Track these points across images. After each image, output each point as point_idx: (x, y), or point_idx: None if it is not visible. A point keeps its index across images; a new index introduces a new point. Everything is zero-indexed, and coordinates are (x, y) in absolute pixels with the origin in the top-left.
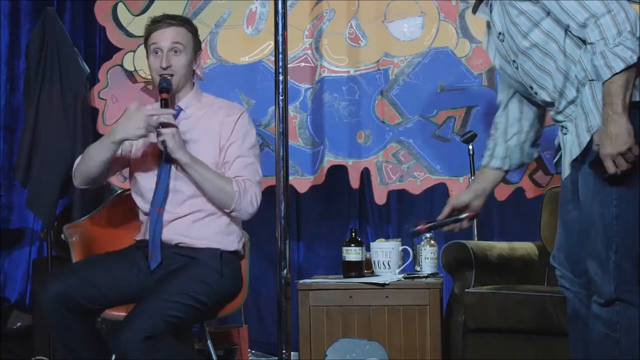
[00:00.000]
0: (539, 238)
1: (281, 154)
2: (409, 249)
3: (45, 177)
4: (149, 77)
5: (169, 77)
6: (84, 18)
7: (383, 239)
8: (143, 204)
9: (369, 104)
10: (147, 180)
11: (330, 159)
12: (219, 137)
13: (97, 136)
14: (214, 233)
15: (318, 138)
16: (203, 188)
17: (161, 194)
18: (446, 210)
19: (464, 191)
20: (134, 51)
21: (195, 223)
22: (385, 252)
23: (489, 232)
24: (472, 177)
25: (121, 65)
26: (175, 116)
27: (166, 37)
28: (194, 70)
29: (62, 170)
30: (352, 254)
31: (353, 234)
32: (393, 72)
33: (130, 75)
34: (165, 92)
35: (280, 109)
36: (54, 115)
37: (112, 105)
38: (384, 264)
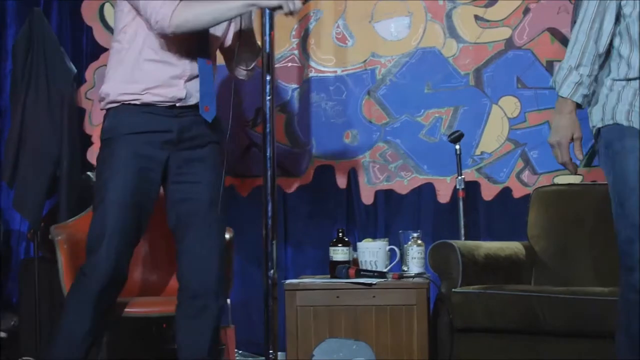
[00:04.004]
0: (526, 238)
1: (268, 154)
2: (395, 248)
3: (32, 177)
4: None
5: None
6: (70, 18)
7: (370, 239)
8: (173, 58)
9: (356, 104)
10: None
11: (317, 159)
12: None
13: (84, 136)
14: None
15: (305, 138)
16: (251, 32)
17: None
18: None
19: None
20: None
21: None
22: (372, 252)
23: (475, 232)
24: (459, 177)
25: None
26: None
27: None
28: None
29: (49, 171)
30: (339, 254)
31: (340, 234)
32: (380, 72)
33: None
34: None
35: (267, 109)
36: (41, 116)
37: (99, 106)
38: (370, 264)
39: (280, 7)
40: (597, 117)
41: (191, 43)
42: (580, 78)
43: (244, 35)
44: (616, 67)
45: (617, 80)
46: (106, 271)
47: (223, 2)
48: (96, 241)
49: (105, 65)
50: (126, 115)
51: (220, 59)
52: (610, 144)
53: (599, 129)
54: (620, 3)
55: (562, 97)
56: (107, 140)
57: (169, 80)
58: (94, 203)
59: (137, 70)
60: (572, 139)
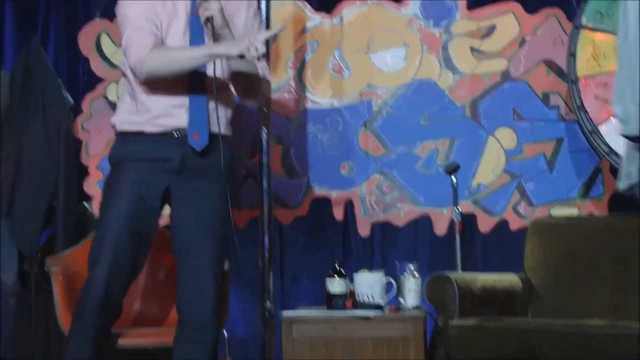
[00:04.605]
0: (523, 270)
1: (265, 185)
2: (392, 280)
3: (29, 208)
4: None
5: None
6: (67, 49)
7: (366, 271)
8: (171, 88)
9: (352, 136)
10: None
11: (314, 191)
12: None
13: (81, 167)
14: (228, 120)
15: (302, 169)
16: (242, 72)
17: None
18: None
19: None
20: (117, 82)
21: (217, 109)
22: (368, 284)
23: (472, 264)
24: (455, 209)
25: (104, 97)
26: None
27: None
28: None
29: (45, 201)
30: (336, 285)
31: (337, 265)
32: (376, 103)
33: (114, 106)
34: None
35: (264, 140)
36: (38, 146)
37: (95, 136)
38: (367, 296)
39: (242, 55)
40: None
41: (185, 74)
42: None
43: (216, 83)
44: None
45: None
46: (97, 296)
47: (190, 51)
48: (91, 265)
49: (102, 95)
50: (130, 143)
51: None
52: None
53: None
54: None
55: None
56: (112, 166)
57: (170, 110)
58: (96, 227)
59: (138, 102)
60: None
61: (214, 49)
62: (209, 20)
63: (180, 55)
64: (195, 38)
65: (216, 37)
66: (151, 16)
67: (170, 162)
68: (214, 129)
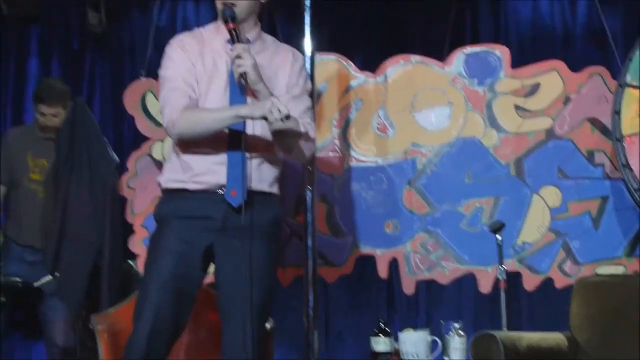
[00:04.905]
0: (568, 329)
1: (309, 243)
2: (437, 339)
3: (74, 265)
4: None
5: (231, 6)
6: (113, 107)
7: (411, 329)
8: (211, 146)
9: (396, 194)
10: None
11: (358, 249)
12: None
13: (126, 225)
14: (274, 178)
15: (346, 228)
16: (280, 130)
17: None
18: None
19: None
20: (162, 141)
21: (261, 166)
22: (413, 342)
23: (517, 322)
24: (501, 267)
25: (150, 155)
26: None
27: None
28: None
29: (90, 259)
30: (381, 344)
31: (381, 324)
32: (421, 161)
33: (159, 165)
34: (231, 21)
35: (309, 199)
36: (83, 205)
37: (140, 194)
38: (412, 355)
39: (265, 117)
40: None
41: (223, 132)
42: None
43: (251, 139)
44: None
45: None
46: (141, 350)
47: (216, 113)
48: (135, 320)
49: (148, 154)
50: (173, 200)
51: None
52: None
53: None
54: None
55: None
56: (157, 223)
57: (212, 167)
58: (140, 283)
59: (182, 160)
60: None
61: (239, 111)
62: (242, 76)
63: (208, 116)
64: (235, 95)
65: (249, 93)
66: (189, 78)
67: (212, 219)
68: (256, 186)
